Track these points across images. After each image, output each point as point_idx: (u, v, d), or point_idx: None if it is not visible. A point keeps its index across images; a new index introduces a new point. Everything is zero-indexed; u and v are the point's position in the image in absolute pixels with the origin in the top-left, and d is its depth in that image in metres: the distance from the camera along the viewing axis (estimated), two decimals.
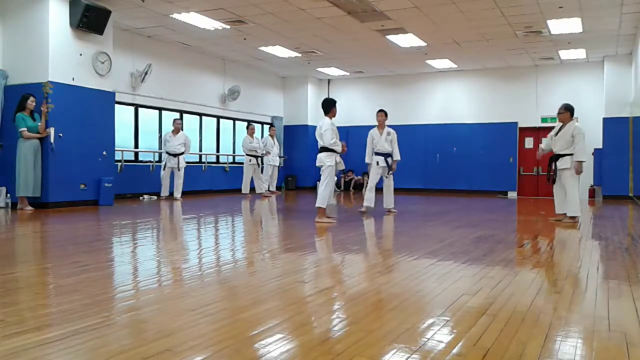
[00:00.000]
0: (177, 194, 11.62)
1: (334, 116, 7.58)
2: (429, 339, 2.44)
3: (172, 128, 11.70)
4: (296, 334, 2.52)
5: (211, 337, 2.43)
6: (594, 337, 2.51)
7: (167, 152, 11.51)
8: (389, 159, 8.93)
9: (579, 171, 7.60)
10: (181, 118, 13.46)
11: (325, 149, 7.46)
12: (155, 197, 11.47)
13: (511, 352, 2.26)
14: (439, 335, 2.49)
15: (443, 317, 2.79)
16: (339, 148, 7.45)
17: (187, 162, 13.30)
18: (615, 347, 2.37)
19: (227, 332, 2.51)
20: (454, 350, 2.28)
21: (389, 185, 9.10)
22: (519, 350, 2.28)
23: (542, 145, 8.24)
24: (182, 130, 12.07)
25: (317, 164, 7.59)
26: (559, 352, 2.30)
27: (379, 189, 8.96)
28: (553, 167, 7.83)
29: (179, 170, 11.60)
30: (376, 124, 8.99)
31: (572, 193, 7.64)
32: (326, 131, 7.38)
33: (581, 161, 7.59)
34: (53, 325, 2.59)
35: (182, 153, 11.69)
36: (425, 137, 16.01)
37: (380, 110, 9.09)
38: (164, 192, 11.53)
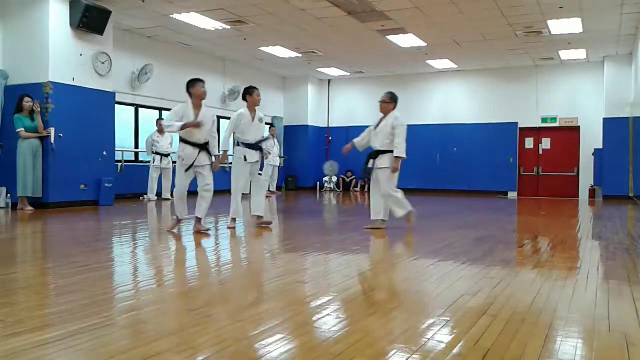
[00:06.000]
0: (168, 194, 11.58)
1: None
2: (429, 339, 2.44)
3: (156, 128, 11.55)
4: (296, 334, 2.52)
5: (211, 337, 2.43)
6: (594, 337, 2.51)
7: (157, 153, 11.43)
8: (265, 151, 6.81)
9: (396, 168, 6.37)
10: None
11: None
12: (156, 197, 11.45)
13: (511, 352, 2.26)
14: (439, 336, 2.49)
15: (443, 317, 2.78)
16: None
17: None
18: (615, 347, 2.37)
19: (227, 332, 2.51)
20: (454, 351, 2.28)
21: (260, 184, 6.91)
22: (519, 350, 2.28)
23: (355, 140, 6.83)
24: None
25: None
26: (559, 352, 2.29)
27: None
28: (370, 165, 6.56)
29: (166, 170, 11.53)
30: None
31: (389, 194, 6.42)
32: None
33: (400, 157, 6.35)
34: (53, 325, 2.59)
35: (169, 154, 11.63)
36: (425, 137, 15.97)
37: (254, 88, 6.92)
38: (152, 193, 11.35)
